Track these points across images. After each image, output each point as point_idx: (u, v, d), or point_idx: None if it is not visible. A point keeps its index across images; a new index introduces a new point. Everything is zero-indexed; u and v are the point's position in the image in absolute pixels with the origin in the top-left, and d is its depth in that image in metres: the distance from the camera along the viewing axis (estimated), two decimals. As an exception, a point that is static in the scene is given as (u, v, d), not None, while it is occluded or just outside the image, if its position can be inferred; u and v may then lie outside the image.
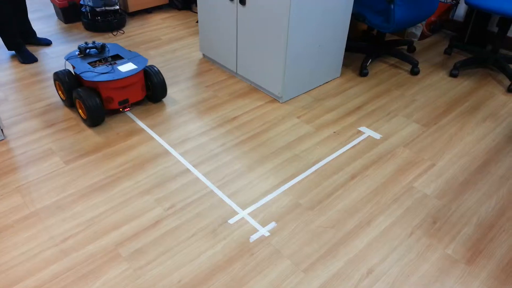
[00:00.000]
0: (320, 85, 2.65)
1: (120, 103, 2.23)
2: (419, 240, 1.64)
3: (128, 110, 2.32)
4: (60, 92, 2.37)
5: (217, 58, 2.79)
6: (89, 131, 2.19)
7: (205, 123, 2.27)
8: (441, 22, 3.37)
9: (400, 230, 1.68)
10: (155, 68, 2.35)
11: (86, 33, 3.28)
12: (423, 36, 3.30)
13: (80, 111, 2.22)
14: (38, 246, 1.58)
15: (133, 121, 2.27)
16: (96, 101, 2.11)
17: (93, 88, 2.19)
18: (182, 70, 2.79)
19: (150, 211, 1.74)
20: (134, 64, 2.26)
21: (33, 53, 2.93)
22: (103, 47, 2.34)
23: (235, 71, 2.68)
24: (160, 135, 2.17)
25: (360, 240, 1.63)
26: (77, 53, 2.32)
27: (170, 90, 2.57)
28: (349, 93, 2.58)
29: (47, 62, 2.84)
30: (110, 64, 2.24)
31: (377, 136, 2.21)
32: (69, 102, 2.31)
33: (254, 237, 1.64)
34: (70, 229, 1.65)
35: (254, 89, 2.60)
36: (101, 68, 2.21)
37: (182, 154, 2.05)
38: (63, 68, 2.77)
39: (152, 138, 2.15)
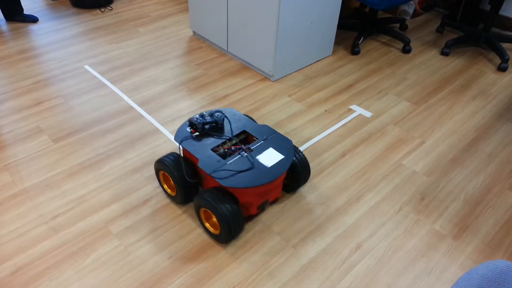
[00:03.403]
0: (311, 63, 2.63)
1: (259, 207, 1.57)
2: (407, 216, 1.67)
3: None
4: (165, 185, 1.68)
5: (207, 36, 2.75)
6: (78, 110, 2.16)
7: (195, 102, 2.26)
8: (434, 0, 3.34)
9: (389, 207, 1.70)
10: (292, 144, 1.62)
11: (74, 9, 3.21)
12: (415, 14, 3.27)
13: (207, 224, 1.55)
14: (27, 224, 1.58)
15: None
16: (234, 210, 1.44)
17: (223, 189, 1.49)
18: (172, 48, 2.75)
19: (140, 189, 1.74)
20: (277, 150, 1.55)
21: (20, 30, 2.87)
22: (223, 121, 1.64)
23: (226, 48, 2.65)
24: (150, 113, 2.15)
25: (349, 216, 1.65)
26: (188, 129, 1.61)
27: (160, 68, 2.53)
28: (340, 71, 2.57)
29: (33, 39, 2.78)
30: (243, 151, 1.54)
31: (367, 114, 2.21)
32: (181, 200, 1.62)
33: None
34: (59, 207, 1.65)
35: (245, 67, 2.57)
36: (235, 160, 1.50)
37: (172, 133, 2.04)
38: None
39: (141, 116, 2.13)
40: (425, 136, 2.08)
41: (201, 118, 1.60)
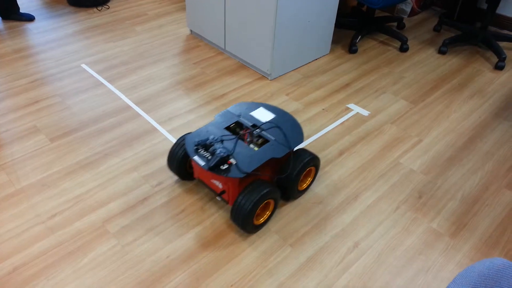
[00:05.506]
0: (309, 62, 2.63)
1: None
2: (405, 214, 1.67)
3: None
4: (261, 218, 1.59)
5: (205, 34, 2.74)
6: (75, 109, 2.15)
7: (192, 101, 2.25)
8: (431, -2, 3.35)
9: (386, 205, 1.70)
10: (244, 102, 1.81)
11: (70, 8, 3.20)
12: (412, 13, 3.28)
13: (304, 185, 1.74)
14: (24, 223, 1.57)
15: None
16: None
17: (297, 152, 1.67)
18: (169, 47, 2.74)
19: (138, 188, 1.73)
20: (253, 110, 1.76)
21: (16, 29, 2.86)
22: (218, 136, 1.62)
23: (223, 47, 2.64)
24: (147, 112, 2.15)
25: (347, 215, 1.65)
26: (224, 166, 1.48)
27: (157, 67, 2.52)
28: (338, 70, 2.57)
29: (30, 38, 2.77)
30: (256, 131, 1.65)
31: (365, 113, 2.21)
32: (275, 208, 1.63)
33: (242, 213, 1.64)
34: (56, 206, 1.64)
35: (243, 66, 2.57)
36: (271, 135, 1.62)
37: (169, 132, 2.04)
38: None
39: (138, 115, 2.13)
40: (422, 134, 2.08)
41: (220, 149, 1.50)
